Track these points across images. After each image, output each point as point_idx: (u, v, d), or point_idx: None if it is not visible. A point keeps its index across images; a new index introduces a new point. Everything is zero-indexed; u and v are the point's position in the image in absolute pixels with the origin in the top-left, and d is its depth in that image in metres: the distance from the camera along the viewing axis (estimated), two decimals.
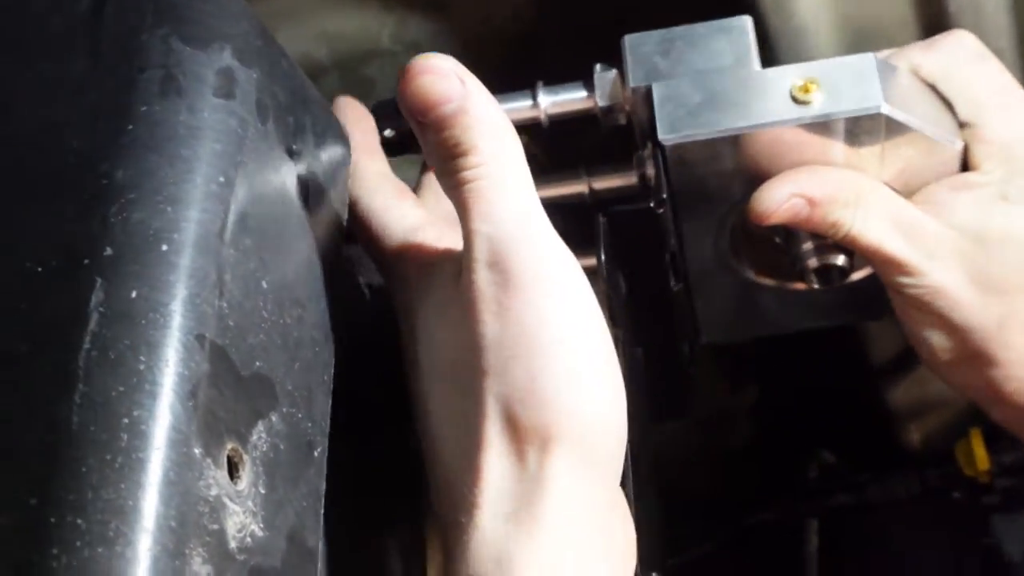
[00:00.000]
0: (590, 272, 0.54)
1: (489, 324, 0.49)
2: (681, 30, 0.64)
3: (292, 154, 0.54)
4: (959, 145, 0.61)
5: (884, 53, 0.63)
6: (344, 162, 0.59)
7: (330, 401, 0.52)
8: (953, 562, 0.87)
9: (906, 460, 0.88)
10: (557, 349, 0.48)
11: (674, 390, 0.78)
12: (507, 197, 0.50)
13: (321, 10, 0.77)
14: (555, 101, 0.66)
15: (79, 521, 0.41)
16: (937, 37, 0.63)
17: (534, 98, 0.65)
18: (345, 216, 0.57)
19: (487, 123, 0.50)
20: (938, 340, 0.61)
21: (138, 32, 0.51)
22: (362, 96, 0.68)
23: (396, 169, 0.62)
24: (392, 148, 0.65)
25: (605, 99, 0.64)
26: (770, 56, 0.68)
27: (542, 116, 0.66)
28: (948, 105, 0.62)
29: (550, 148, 0.70)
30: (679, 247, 0.64)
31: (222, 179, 0.49)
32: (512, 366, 0.48)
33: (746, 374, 0.96)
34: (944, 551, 0.87)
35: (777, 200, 0.60)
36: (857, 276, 0.66)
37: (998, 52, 0.63)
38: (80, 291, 0.44)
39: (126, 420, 0.42)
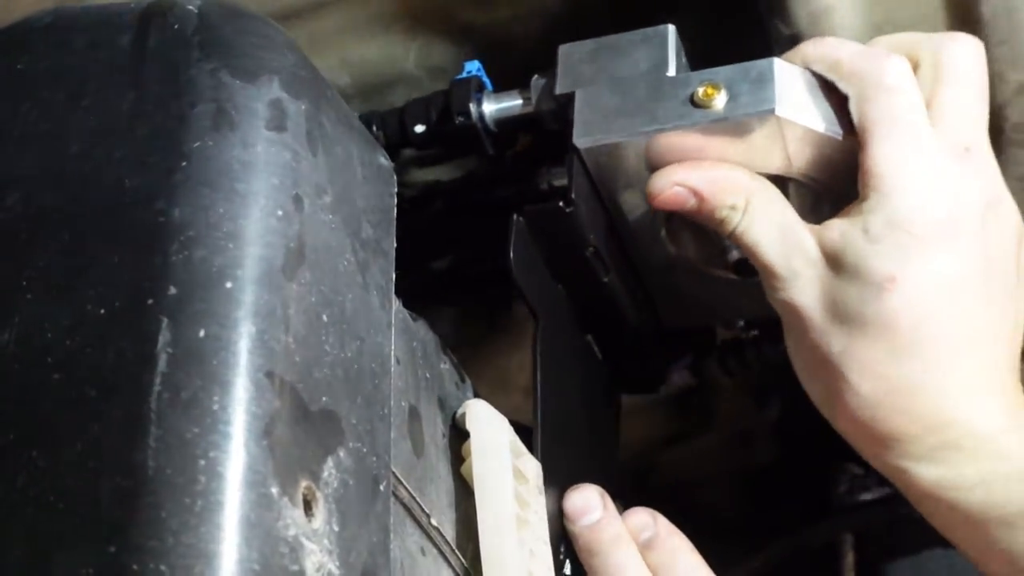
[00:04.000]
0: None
1: None
2: (610, 39, 0.67)
3: (342, 185, 0.53)
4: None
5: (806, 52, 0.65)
6: (389, 191, 0.58)
7: (391, 434, 0.52)
8: None
9: None
10: None
11: (638, 367, 0.80)
12: None
13: (343, 37, 0.76)
14: (499, 107, 0.71)
15: (162, 567, 0.40)
16: (867, 51, 0.63)
17: (478, 104, 0.70)
18: (393, 245, 0.57)
19: None
20: (793, 346, 0.63)
21: (185, 66, 0.51)
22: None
23: None
24: (423, 142, 0.70)
25: (537, 104, 0.69)
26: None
27: (489, 122, 0.71)
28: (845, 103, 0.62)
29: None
30: (602, 242, 0.68)
31: (280, 213, 0.48)
32: None
33: (769, 389, 0.96)
34: None
35: (659, 186, 0.63)
36: None
37: None
38: (147, 332, 0.44)
39: (203, 462, 0.42)
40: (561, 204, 0.64)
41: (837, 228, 0.61)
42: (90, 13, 0.54)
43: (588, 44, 0.67)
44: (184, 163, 0.48)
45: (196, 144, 0.48)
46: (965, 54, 0.63)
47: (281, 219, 0.48)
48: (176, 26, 0.52)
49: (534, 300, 0.65)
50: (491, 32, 0.75)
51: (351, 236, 0.53)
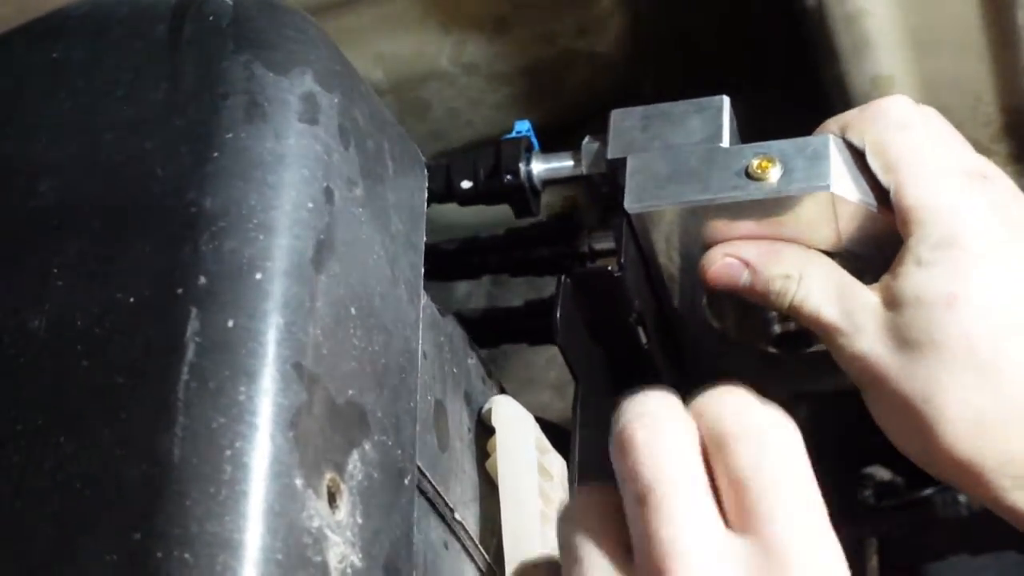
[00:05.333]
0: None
1: None
2: (664, 106, 0.67)
3: (373, 178, 0.53)
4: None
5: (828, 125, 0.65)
6: (420, 185, 0.58)
7: (416, 428, 0.52)
8: None
9: None
10: None
11: None
12: None
13: (378, 32, 0.76)
14: (547, 167, 0.70)
15: (186, 555, 0.40)
16: (869, 104, 0.63)
17: (527, 163, 0.69)
18: (423, 240, 0.57)
19: None
20: (875, 404, 0.62)
21: (219, 58, 0.51)
22: (417, 118, 0.68)
23: None
24: (468, 199, 0.69)
25: (588, 168, 0.68)
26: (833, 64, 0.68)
27: (536, 181, 0.70)
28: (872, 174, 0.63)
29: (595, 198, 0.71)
30: (645, 307, 0.68)
31: (311, 205, 0.48)
32: None
33: (798, 393, 0.95)
34: (1006, 570, 0.86)
35: (712, 259, 0.64)
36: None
37: None
38: (176, 321, 0.44)
39: (228, 452, 0.42)
40: (610, 268, 0.64)
41: (892, 274, 0.60)
42: (126, 3, 0.54)
43: (641, 110, 0.67)
44: (216, 154, 0.48)
45: (228, 135, 0.49)
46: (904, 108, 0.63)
47: (311, 211, 0.48)
48: (211, 17, 0.52)
49: (575, 362, 0.65)
50: (527, 26, 0.74)
51: (381, 230, 0.53)
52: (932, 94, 0.75)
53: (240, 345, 0.44)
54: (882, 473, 0.92)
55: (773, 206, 0.62)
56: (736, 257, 0.64)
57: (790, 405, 0.96)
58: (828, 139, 0.62)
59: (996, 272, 0.59)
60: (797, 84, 0.66)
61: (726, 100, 0.66)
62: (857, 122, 0.63)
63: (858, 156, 0.63)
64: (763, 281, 0.63)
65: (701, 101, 0.66)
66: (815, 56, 0.73)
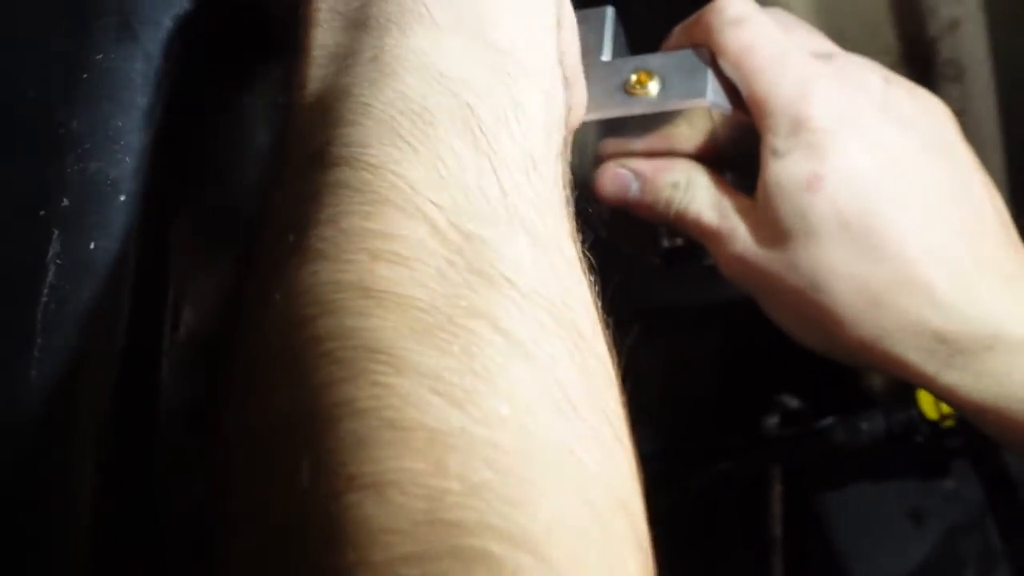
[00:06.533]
0: None
1: None
2: None
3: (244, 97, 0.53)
4: None
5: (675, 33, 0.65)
6: None
7: None
8: (913, 506, 0.87)
9: (869, 404, 0.88)
10: None
11: None
12: None
13: None
14: None
15: None
16: (705, 7, 0.63)
17: None
18: None
19: None
20: (768, 303, 0.63)
21: None
22: None
23: None
24: None
25: None
26: None
27: None
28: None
29: None
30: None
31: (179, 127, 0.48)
32: None
33: (709, 320, 0.96)
34: (905, 496, 0.87)
35: (602, 172, 0.65)
36: None
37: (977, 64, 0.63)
38: (37, 243, 0.44)
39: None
40: None
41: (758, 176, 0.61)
42: None
43: None
44: (85, 75, 0.48)
45: (98, 56, 0.48)
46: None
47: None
48: None
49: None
50: None
51: (253, 142, 0.53)
52: (831, 20, 0.75)
53: (102, 267, 0.43)
54: (791, 401, 0.93)
55: (653, 120, 0.63)
56: (628, 168, 0.64)
57: (703, 334, 0.97)
58: (705, 52, 0.62)
59: (851, 145, 0.59)
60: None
61: (610, 11, 0.65)
62: (696, 28, 0.63)
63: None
64: (653, 190, 0.63)
65: (587, 12, 0.65)
66: None
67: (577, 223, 0.44)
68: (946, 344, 0.58)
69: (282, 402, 0.36)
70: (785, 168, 0.59)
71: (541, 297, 0.39)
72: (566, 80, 0.49)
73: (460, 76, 0.43)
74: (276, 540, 0.34)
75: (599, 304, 0.43)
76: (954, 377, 0.58)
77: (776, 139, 0.59)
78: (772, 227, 0.60)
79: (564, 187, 0.46)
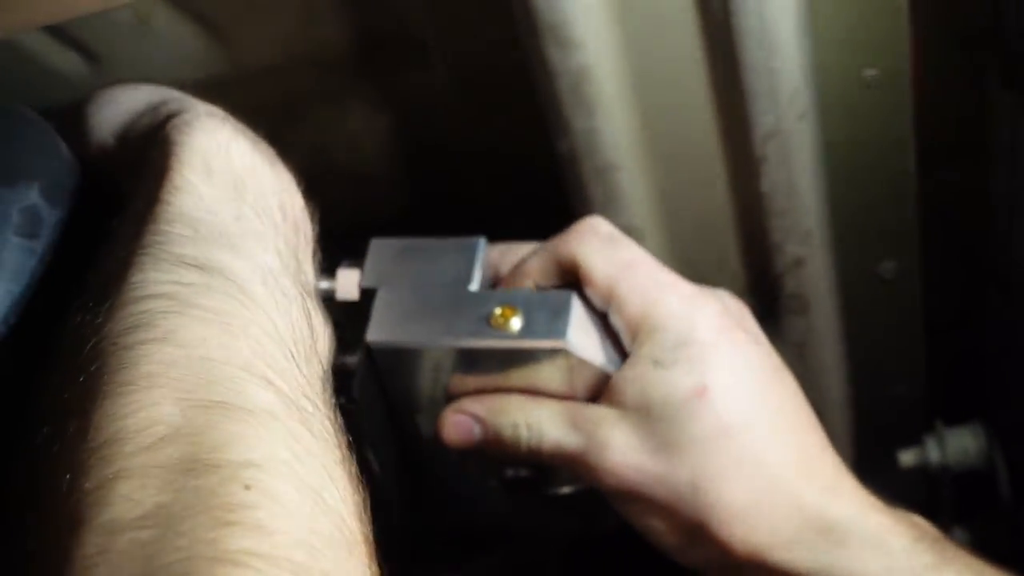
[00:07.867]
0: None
1: None
2: (423, 241, 0.67)
3: None
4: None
5: (526, 247, 0.66)
6: None
7: None
8: None
9: None
10: None
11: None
12: None
13: None
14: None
15: None
16: (576, 224, 0.65)
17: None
18: None
19: None
20: (657, 524, 0.62)
21: None
22: None
23: None
24: None
25: (340, 294, 0.67)
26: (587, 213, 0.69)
27: None
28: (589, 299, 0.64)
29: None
30: (381, 440, 0.67)
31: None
32: None
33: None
34: None
35: (443, 419, 0.65)
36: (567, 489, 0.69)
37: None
38: None
39: None
40: (343, 401, 0.61)
41: (627, 379, 0.61)
42: None
43: (400, 242, 0.67)
44: None
45: None
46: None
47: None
48: None
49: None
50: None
51: None
52: (683, 251, 0.78)
53: None
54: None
55: (511, 356, 0.63)
56: (465, 413, 0.64)
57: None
58: (572, 295, 0.63)
59: (735, 360, 0.61)
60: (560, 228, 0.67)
61: (481, 242, 0.66)
62: (564, 245, 0.64)
63: (600, 313, 0.63)
64: (493, 432, 0.64)
65: (461, 241, 0.66)
66: (573, 204, 0.75)
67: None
68: (822, 537, 0.59)
69: None
70: (671, 377, 0.60)
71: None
72: None
73: None
74: None
75: None
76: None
77: (662, 351, 0.61)
78: (653, 434, 0.60)
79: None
